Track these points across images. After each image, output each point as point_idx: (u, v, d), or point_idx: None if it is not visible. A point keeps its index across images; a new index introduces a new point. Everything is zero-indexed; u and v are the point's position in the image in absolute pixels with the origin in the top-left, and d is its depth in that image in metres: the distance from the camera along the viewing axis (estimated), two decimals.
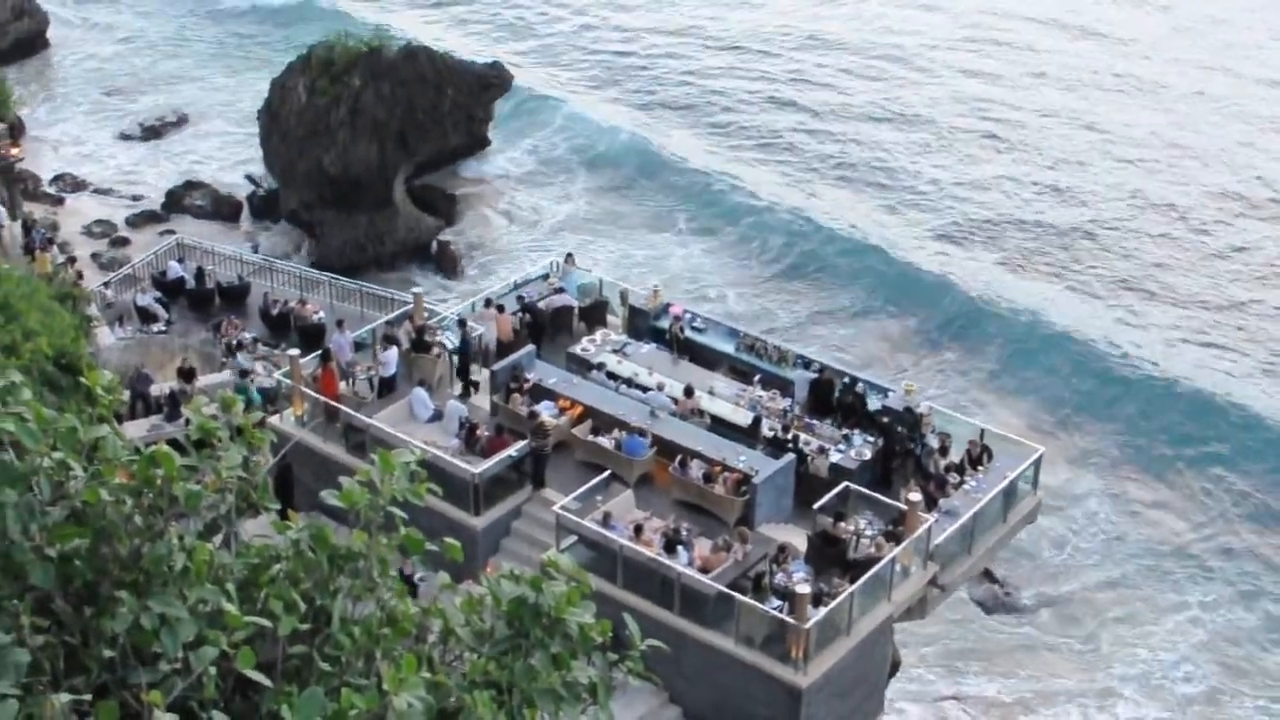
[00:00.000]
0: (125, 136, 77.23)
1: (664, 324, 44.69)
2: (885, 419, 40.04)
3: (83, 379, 8.22)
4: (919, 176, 73.68)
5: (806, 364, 42.84)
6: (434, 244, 67.06)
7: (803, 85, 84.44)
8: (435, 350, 42.88)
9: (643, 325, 45.12)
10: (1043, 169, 75.05)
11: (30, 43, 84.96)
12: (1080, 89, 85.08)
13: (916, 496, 35.87)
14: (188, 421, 7.79)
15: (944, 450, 39.19)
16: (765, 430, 39.64)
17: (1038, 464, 39.73)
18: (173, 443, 7.72)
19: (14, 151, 64.24)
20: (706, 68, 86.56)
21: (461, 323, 43.49)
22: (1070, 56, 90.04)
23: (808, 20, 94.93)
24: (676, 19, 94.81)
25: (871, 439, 39.50)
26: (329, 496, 7.64)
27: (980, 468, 38.84)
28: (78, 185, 71.48)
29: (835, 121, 79.88)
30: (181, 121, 78.96)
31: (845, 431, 39.78)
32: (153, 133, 77.55)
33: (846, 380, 41.72)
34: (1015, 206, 71.23)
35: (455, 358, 42.85)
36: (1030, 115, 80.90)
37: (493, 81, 69.80)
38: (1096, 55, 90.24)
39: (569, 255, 49.11)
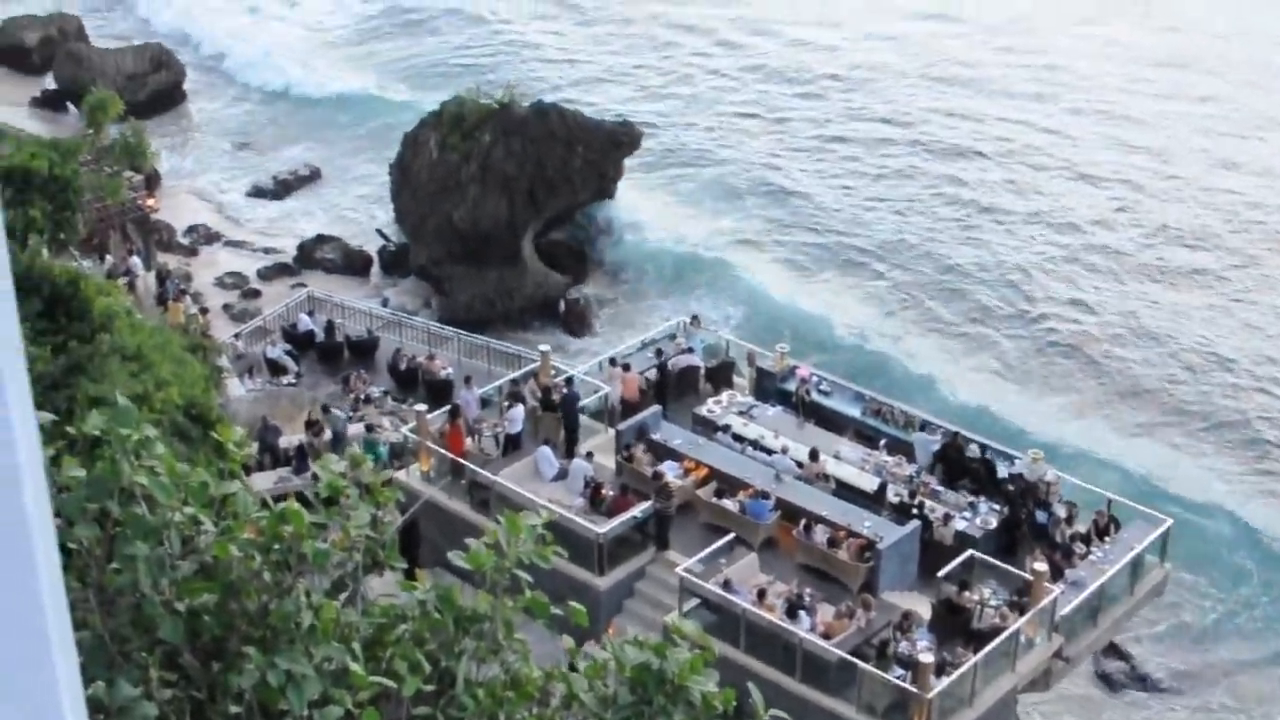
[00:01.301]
0: (258, 190, 78.05)
1: (790, 386, 44.61)
2: (1011, 486, 39.72)
3: (213, 432, 8.22)
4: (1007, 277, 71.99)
5: (933, 429, 42.58)
6: (562, 301, 67.22)
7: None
8: None
9: (769, 387, 45.06)
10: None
11: (168, 95, 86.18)
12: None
13: (1042, 566, 35.54)
14: (315, 476, 7.81)
15: (1070, 519, 38.84)
16: (890, 496, 39.43)
17: (1166, 535, 39.25)
18: (301, 498, 7.74)
19: (150, 203, 65.26)
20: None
21: (569, 381, 43.60)
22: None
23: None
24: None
25: (997, 507, 39.17)
26: (455, 558, 7.64)
27: (1107, 538, 38.46)
28: (211, 237, 72.29)
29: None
30: (314, 176, 79.72)
31: (971, 499, 39.49)
32: (285, 186, 78.35)
33: (973, 446, 41.43)
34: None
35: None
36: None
37: (623, 139, 69.99)
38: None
39: (695, 317, 49.14)
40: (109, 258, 59.13)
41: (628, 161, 70.93)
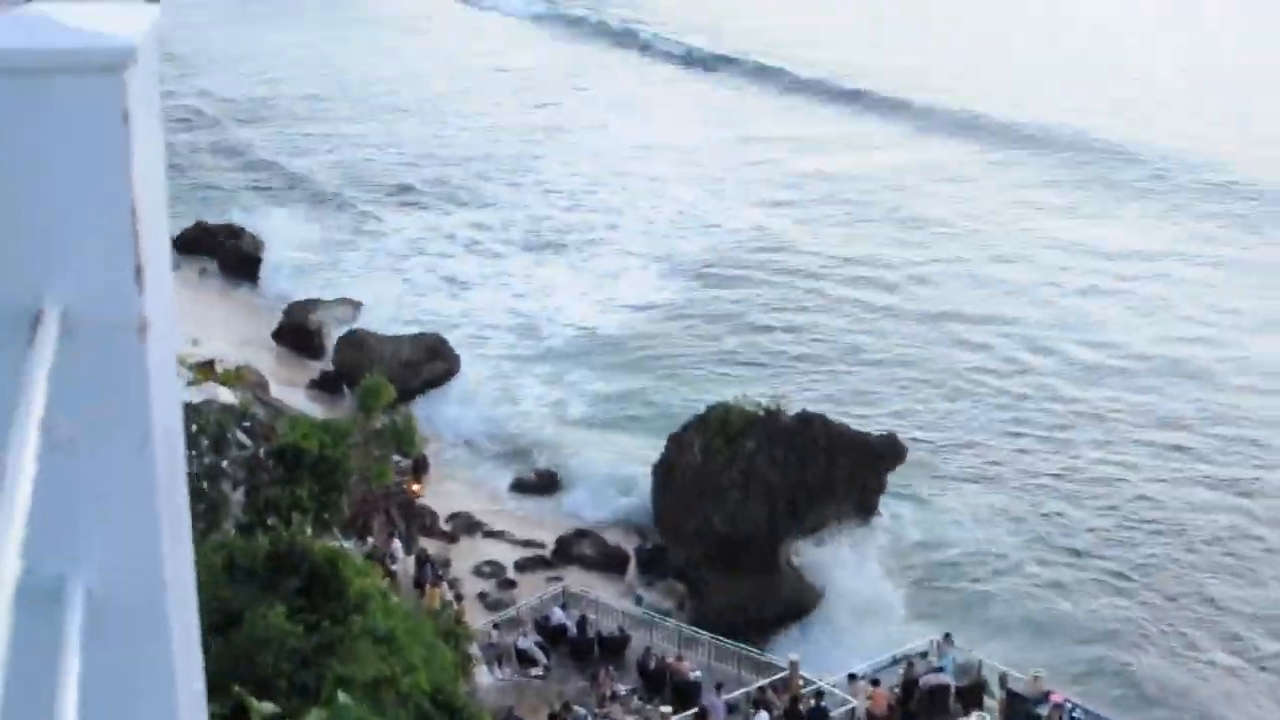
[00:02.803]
0: (521, 483, 78.97)
1: (1043, 711, 43.70)
2: None
3: None
4: None
5: None
6: (816, 611, 66.74)
7: None
8: None
9: (1021, 710, 44.21)
10: None
11: (439, 383, 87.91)
12: None
13: None
14: None
15: None
16: None
17: None
18: None
19: (415, 488, 66.44)
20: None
21: (818, 695, 43.31)
22: None
23: None
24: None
25: None
26: None
27: None
28: (472, 526, 73.05)
29: None
30: (575, 473, 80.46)
31: None
32: (547, 481, 79.17)
33: None
34: None
35: None
36: None
37: (886, 453, 69.95)
38: None
39: (947, 635, 48.57)
40: (371, 539, 60.15)
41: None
